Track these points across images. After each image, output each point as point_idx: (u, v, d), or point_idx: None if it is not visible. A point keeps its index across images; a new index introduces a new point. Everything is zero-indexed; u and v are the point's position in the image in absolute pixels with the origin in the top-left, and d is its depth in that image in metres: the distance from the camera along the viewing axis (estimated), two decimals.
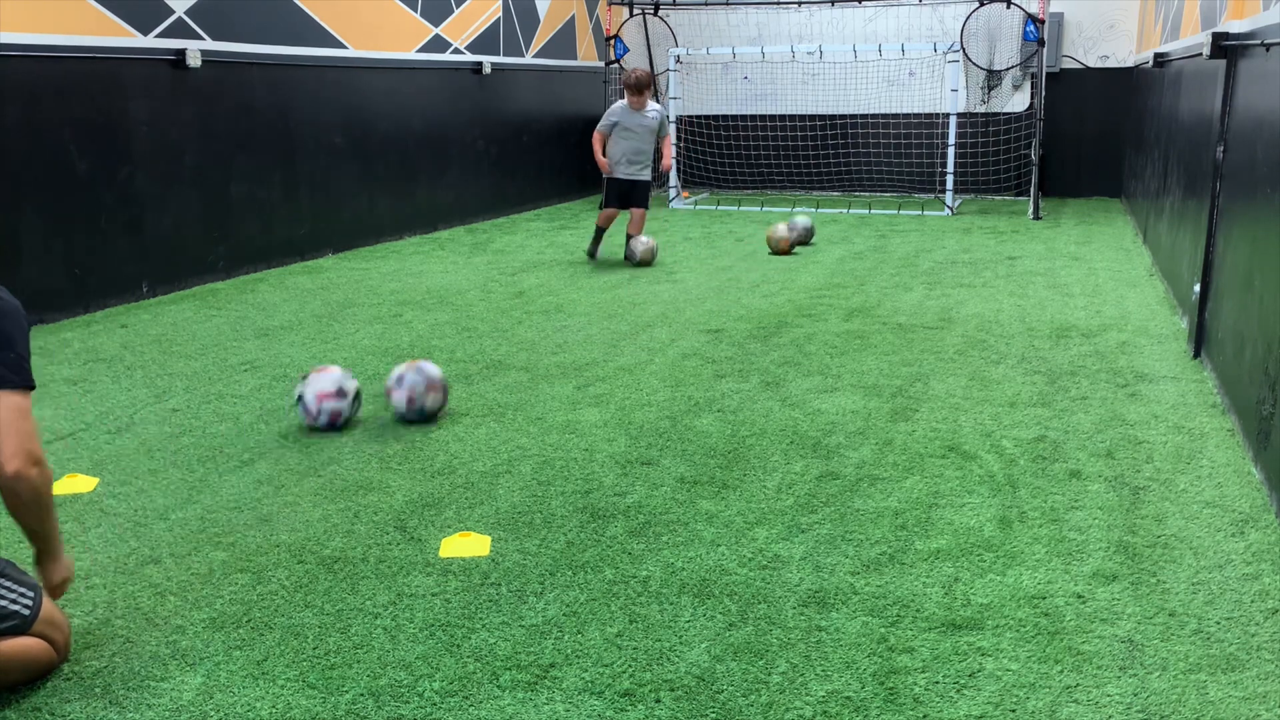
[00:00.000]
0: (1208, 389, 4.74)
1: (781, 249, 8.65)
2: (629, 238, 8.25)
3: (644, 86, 8.00)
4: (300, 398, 4.24)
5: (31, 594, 2.51)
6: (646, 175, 8.27)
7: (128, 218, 6.79)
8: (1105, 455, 3.93)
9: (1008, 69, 12.06)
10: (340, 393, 4.23)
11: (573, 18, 12.34)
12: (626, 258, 8.24)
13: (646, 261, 8.10)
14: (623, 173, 8.18)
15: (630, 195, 8.27)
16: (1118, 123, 11.78)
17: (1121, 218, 10.59)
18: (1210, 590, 2.90)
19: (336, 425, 4.26)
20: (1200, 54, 5.36)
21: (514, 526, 3.37)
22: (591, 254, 8.45)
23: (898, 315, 6.30)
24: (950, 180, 11.23)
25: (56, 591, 2.64)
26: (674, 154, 8.66)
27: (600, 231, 8.41)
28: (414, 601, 2.89)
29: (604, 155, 8.20)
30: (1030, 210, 10.70)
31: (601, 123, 8.20)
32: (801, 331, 5.92)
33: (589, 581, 2.99)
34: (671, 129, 8.88)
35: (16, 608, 2.46)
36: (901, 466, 3.85)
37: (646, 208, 8.37)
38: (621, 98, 8.27)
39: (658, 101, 7.78)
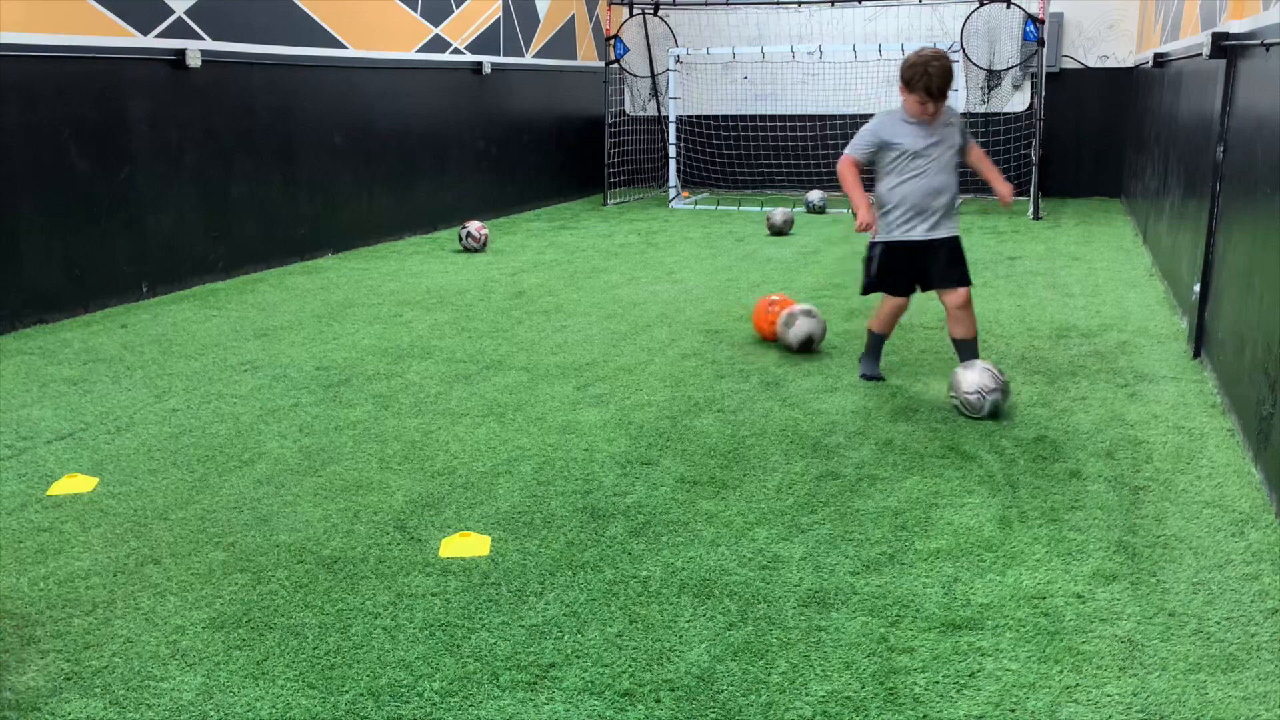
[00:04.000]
0: (1208, 389, 4.74)
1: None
2: (954, 341, 4.79)
3: (944, 83, 4.44)
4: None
5: None
6: (953, 227, 4.66)
7: (128, 218, 6.79)
8: (1105, 455, 3.92)
9: (1008, 69, 12.06)
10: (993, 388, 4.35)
11: (573, 18, 12.33)
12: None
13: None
14: (906, 230, 4.62)
15: (928, 268, 4.69)
16: (1118, 123, 11.78)
17: (1121, 218, 10.59)
18: (1210, 590, 2.90)
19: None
20: (1200, 54, 5.36)
21: (514, 526, 3.37)
22: (869, 374, 4.95)
23: None
24: None
25: None
26: (996, 169, 4.89)
27: (876, 339, 4.95)
28: (414, 601, 2.89)
29: (864, 190, 4.65)
30: (1030, 210, 10.69)
31: (855, 141, 4.68)
32: None
33: (589, 581, 2.99)
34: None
35: None
36: (901, 466, 3.85)
37: (966, 283, 4.67)
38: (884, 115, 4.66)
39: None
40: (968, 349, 4.73)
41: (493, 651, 2.64)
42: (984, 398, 4.31)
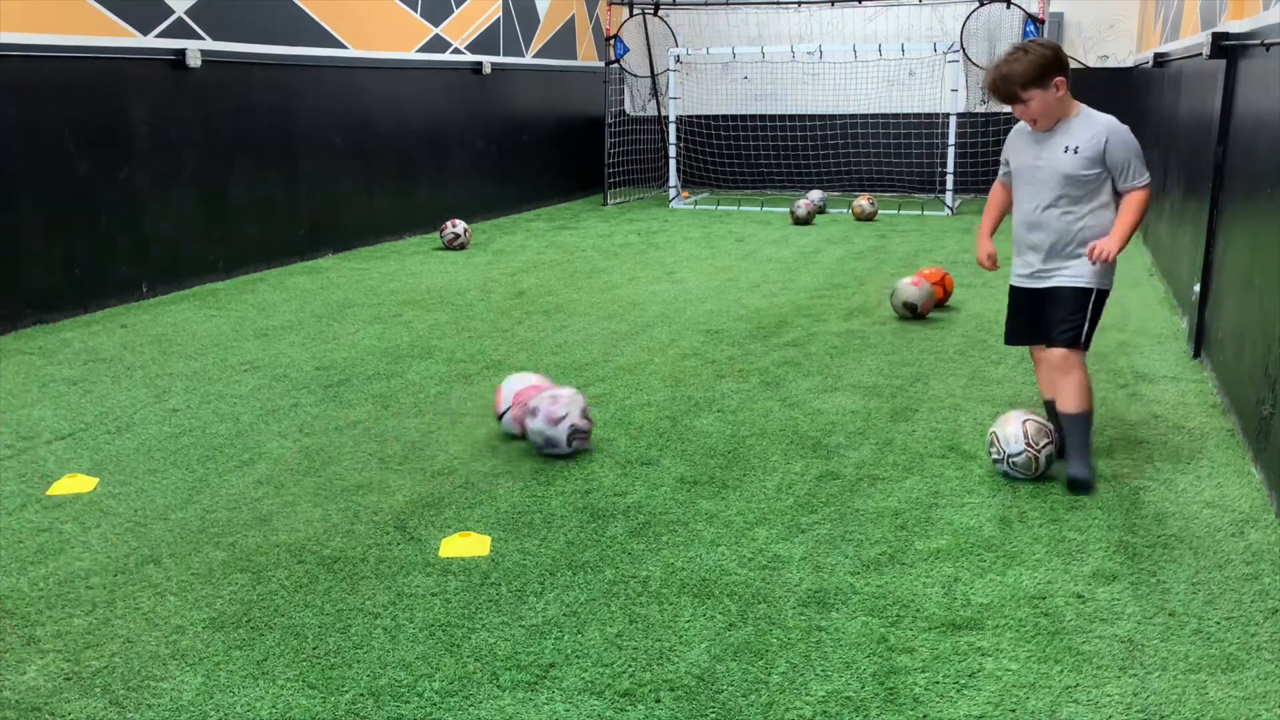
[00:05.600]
0: (1208, 389, 4.73)
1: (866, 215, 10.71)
2: (1045, 405, 3.92)
3: (1003, 81, 3.58)
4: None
5: None
6: (1067, 274, 3.62)
7: (128, 218, 6.79)
8: (1105, 455, 3.92)
9: None
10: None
11: (573, 18, 12.33)
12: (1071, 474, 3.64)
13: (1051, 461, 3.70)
14: (1014, 271, 3.81)
15: (1035, 320, 3.75)
16: None
17: None
18: (1210, 590, 2.90)
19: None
20: (1200, 54, 5.36)
21: (514, 526, 3.37)
22: (1062, 452, 3.74)
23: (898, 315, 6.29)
24: (950, 180, 11.23)
25: None
26: (1130, 227, 3.50)
27: (1048, 405, 3.92)
28: (414, 601, 2.89)
29: (992, 223, 3.96)
30: None
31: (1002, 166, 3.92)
32: (801, 331, 5.92)
33: (589, 581, 2.99)
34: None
35: None
36: (901, 466, 3.85)
37: (1069, 344, 3.61)
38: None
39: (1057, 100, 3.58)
40: (1070, 429, 3.65)
41: (493, 651, 2.63)
42: (1038, 453, 3.61)
